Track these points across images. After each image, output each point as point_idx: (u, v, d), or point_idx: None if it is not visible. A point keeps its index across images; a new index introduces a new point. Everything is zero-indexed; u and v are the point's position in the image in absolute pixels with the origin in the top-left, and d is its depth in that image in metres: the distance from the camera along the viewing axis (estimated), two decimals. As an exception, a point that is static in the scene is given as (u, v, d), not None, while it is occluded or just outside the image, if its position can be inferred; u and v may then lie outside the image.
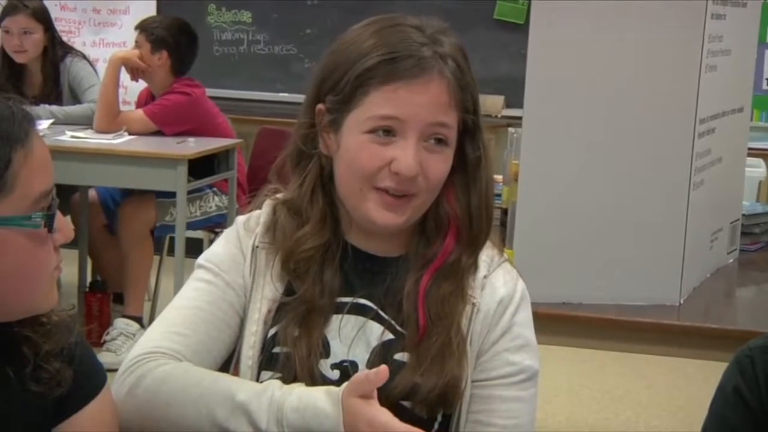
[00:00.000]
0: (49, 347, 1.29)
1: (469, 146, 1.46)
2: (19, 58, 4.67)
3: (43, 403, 1.30)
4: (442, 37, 1.43)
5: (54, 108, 4.64)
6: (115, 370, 1.41)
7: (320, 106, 1.46)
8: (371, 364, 1.42)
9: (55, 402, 1.31)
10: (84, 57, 4.85)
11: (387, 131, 1.40)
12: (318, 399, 1.32)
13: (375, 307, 1.45)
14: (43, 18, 4.71)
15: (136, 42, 4.51)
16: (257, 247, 1.48)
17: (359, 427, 1.29)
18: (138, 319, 4.36)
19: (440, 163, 1.42)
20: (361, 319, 1.45)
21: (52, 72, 4.73)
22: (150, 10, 5.83)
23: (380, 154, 1.40)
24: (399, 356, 1.42)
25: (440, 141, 1.42)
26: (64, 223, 1.29)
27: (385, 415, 1.29)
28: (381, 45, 1.40)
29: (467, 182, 1.47)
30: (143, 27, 4.52)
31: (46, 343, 1.29)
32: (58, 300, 1.31)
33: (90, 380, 1.36)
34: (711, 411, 1.65)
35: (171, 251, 4.44)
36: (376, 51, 1.39)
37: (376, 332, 1.44)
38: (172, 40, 4.48)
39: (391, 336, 1.44)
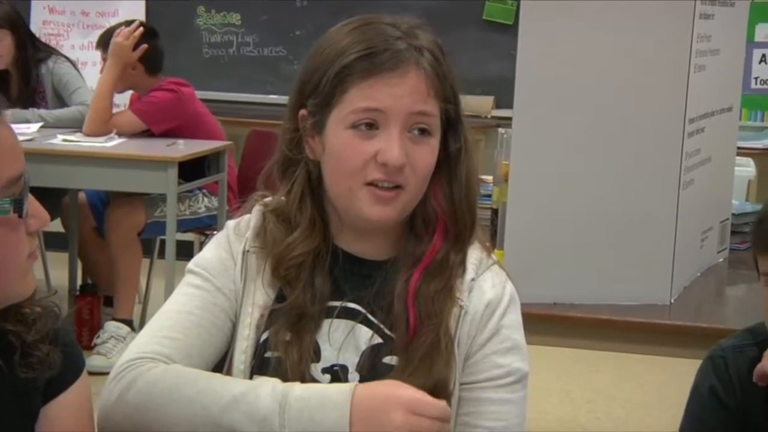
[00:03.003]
0: (34, 337, 1.30)
1: (452, 139, 1.47)
2: None
3: (35, 386, 1.31)
4: (418, 31, 1.44)
5: (43, 111, 4.63)
6: (106, 374, 1.41)
7: (303, 111, 1.46)
8: (360, 367, 1.43)
9: (45, 384, 1.32)
10: (68, 59, 4.84)
11: (369, 125, 1.40)
12: (327, 387, 1.33)
13: (364, 311, 1.45)
14: (10, 23, 4.69)
15: (102, 57, 4.49)
16: (248, 251, 1.48)
17: (382, 407, 1.28)
18: (128, 322, 4.35)
19: (426, 154, 1.42)
20: (351, 323, 1.45)
21: (23, 74, 4.72)
22: (139, 11, 5.82)
23: (365, 147, 1.40)
24: (388, 360, 1.43)
25: (424, 131, 1.42)
26: (38, 208, 1.28)
27: (414, 391, 1.31)
28: (357, 42, 1.41)
29: (450, 176, 1.47)
30: (104, 44, 4.48)
31: (30, 333, 1.29)
32: (35, 286, 1.30)
33: (73, 362, 1.38)
34: (688, 412, 1.66)
35: (162, 254, 4.43)
36: (352, 48, 1.40)
37: (365, 336, 1.44)
38: (136, 45, 4.46)
39: (379, 340, 1.44)
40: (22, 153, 1.27)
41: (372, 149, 1.40)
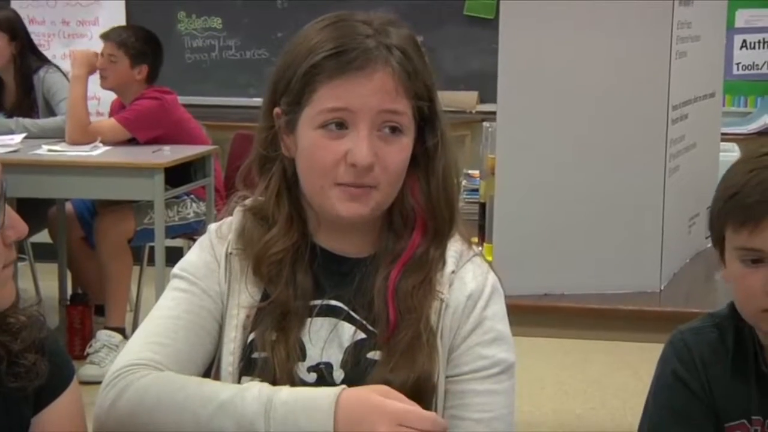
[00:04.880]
0: (20, 346, 1.29)
1: (429, 135, 1.47)
2: None
3: (24, 396, 1.30)
4: (390, 28, 1.44)
5: (27, 121, 4.63)
6: (100, 383, 1.40)
7: (277, 109, 1.46)
8: (345, 364, 1.43)
9: (34, 393, 1.32)
10: (59, 69, 4.85)
11: (339, 124, 1.40)
12: (313, 391, 1.33)
13: (346, 308, 1.45)
14: (9, 28, 4.71)
15: (112, 56, 4.47)
16: (230, 253, 1.48)
17: (367, 416, 1.28)
18: (120, 330, 4.34)
19: (397, 153, 1.42)
20: (333, 320, 1.45)
21: (23, 82, 4.74)
22: (119, 20, 5.80)
23: (334, 148, 1.40)
24: (371, 355, 1.43)
25: (394, 129, 1.42)
26: (16, 219, 1.27)
27: (403, 402, 1.30)
28: (326, 41, 1.41)
29: (427, 172, 1.47)
30: (120, 41, 4.47)
31: (15, 342, 1.29)
32: (12, 297, 1.29)
33: (62, 371, 1.37)
34: (655, 401, 1.64)
35: (151, 261, 4.43)
36: (321, 47, 1.40)
37: (347, 332, 1.44)
38: (151, 52, 4.49)
39: (363, 335, 1.44)
40: None
41: (342, 149, 1.40)
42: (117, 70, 4.46)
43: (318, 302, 1.46)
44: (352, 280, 1.46)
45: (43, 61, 4.86)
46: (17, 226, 1.27)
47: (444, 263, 1.47)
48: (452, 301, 1.45)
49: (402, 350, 1.40)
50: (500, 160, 2.35)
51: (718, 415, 1.58)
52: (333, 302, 1.46)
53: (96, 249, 4.44)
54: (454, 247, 1.49)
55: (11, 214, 1.26)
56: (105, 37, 4.55)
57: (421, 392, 1.39)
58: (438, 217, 1.47)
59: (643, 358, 4.27)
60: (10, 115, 4.69)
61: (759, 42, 5.49)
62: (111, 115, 4.68)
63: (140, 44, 4.46)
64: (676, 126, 2.42)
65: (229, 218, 1.52)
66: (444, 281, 1.45)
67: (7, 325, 1.30)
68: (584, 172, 2.35)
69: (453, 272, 1.46)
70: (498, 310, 1.48)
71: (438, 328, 1.43)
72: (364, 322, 1.44)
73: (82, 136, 4.37)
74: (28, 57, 4.76)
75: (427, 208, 1.47)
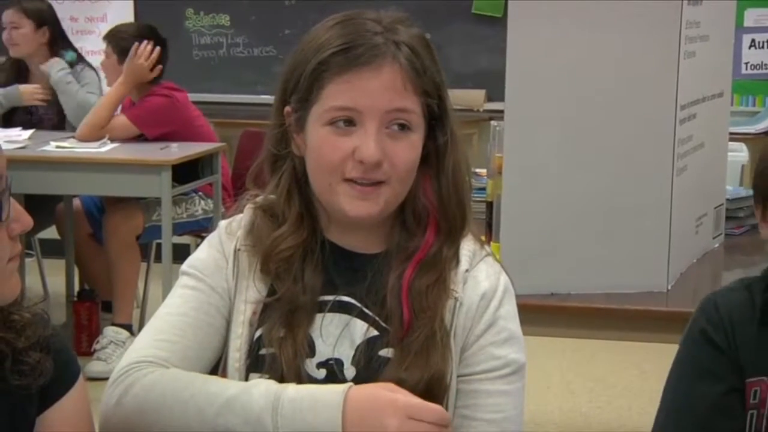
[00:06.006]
0: (24, 344, 1.29)
1: (439, 133, 1.47)
2: (12, 52, 4.80)
3: (28, 394, 1.30)
4: (399, 26, 1.44)
5: (61, 77, 4.64)
6: (107, 379, 1.41)
7: (287, 108, 1.47)
8: (356, 361, 1.43)
9: (39, 392, 1.31)
10: (92, 67, 4.87)
11: (347, 121, 1.40)
12: (321, 388, 1.32)
13: (359, 305, 1.45)
14: (36, 16, 4.75)
15: (105, 52, 4.51)
16: (239, 250, 1.48)
17: (376, 411, 1.28)
18: (127, 327, 4.35)
19: (405, 150, 1.42)
20: (345, 316, 1.45)
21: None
22: (127, 16, 5.81)
23: (342, 144, 1.40)
24: (384, 352, 1.42)
25: (403, 126, 1.42)
26: (21, 212, 1.26)
27: (410, 396, 1.30)
28: (335, 38, 1.41)
29: (438, 170, 1.47)
30: (110, 36, 4.51)
31: (20, 340, 1.29)
32: (18, 290, 1.29)
33: (67, 370, 1.37)
34: (679, 355, 1.68)
35: (158, 258, 4.43)
36: (330, 44, 1.40)
37: (360, 329, 1.44)
38: None
39: (375, 332, 1.44)
40: (3, 156, 1.26)
41: (349, 146, 1.40)
42: (108, 67, 4.50)
43: (330, 298, 1.46)
44: (363, 276, 1.46)
45: (80, 58, 4.88)
46: (22, 218, 1.26)
47: (458, 262, 1.46)
48: (466, 299, 1.45)
49: (416, 350, 1.39)
50: (507, 160, 2.35)
51: (741, 370, 1.60)
52: (345, 298, 1.46)
53: (104, 246, 4.45)
54: (468, 246, 1.49)
55: (16, 207, 1.26)
56: (103, 38, 4.59)
57: (434, 392, 1.38)
58: (450, 216, 1.47)
59: (649, 357, 4.28)
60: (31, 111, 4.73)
61: (767, 41, 5.48)
62: (122, 111, 4.69)
63: (126, 42, 4.46)
64: (684, 126, 2.41)
65: (240, 215, 1.52)
66: (458, 280, 1.45)
67: (11, 323, 1.29)
68: (591, 171, 2.34)
69: (467, 271, 1.46)
70: (510, 310, 1.48)
71: (452, 327, 1.43)
72: (377, 318, 1.44)
73: (93, 134, 4.38)
74: (57, 47, 4.77)
75: (439, 207, 1.47)
